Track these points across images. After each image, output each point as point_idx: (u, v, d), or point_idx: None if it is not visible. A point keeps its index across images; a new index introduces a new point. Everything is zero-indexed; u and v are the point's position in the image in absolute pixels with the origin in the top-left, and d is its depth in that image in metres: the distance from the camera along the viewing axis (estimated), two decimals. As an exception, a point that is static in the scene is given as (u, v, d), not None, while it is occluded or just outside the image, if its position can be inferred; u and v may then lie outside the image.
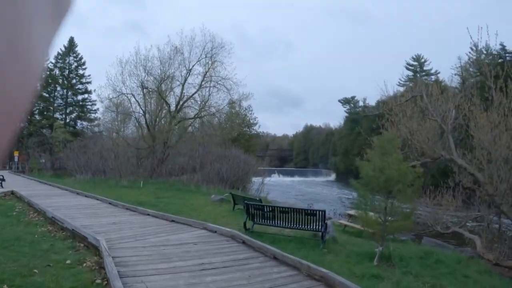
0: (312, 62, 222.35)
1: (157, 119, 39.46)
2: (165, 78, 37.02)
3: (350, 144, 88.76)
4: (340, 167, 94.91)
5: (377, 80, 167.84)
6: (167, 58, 36.93)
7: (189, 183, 31.18)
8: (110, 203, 17.71)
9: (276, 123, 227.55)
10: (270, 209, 12.90)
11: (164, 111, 39.71)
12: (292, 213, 12.52)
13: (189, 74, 37.70)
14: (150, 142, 37.23)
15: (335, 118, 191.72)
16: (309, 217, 12.22)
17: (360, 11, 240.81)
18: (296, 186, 67.45)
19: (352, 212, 19.81)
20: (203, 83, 37.80)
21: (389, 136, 11.89)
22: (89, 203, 17.73)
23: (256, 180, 35.94)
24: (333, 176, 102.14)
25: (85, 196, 20.76)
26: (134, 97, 37.69)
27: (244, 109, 53.15)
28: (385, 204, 10.95)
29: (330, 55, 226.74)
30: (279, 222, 12.71)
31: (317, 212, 12.23)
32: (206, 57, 37.39)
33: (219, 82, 37.55)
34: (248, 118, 58.67)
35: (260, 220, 12.94)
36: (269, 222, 12.88)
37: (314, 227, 12.23)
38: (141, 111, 38.19)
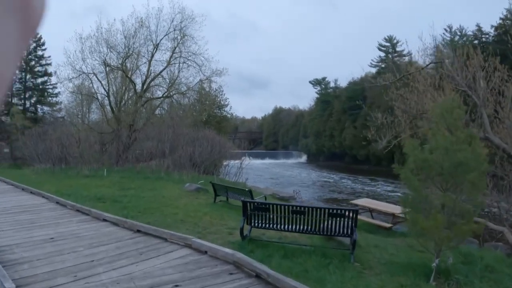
0: (278, 44, 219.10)
1: (123, 101, 35.30)
2: (130, 54, 32.82)
3: (322, 126, 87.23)
4: (311, 148, 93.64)
5: (347, 62, 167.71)
6: (131, 32, 32.72)
7: (159, 169, 27.59)
8: (57, 203, 13.54)
9: (244, 106, 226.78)
10: (279, 209, 9.16)
11: (130, 92, 35.60)
12: (310, 214, 8.87)
13: (156, 49, 33.58)
14: (115, 126, 33.11)
15: (304, 100, 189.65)
16: (334, 219, 8.66)
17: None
18: (268, 169, 64.06)
19: (358, 201, 16.47)
20: (171, 59, 33.74)
21: (451, 103, 8.06)
22: (30, 204, 13.44)
23: (228, 163, 32.12)
24: (304, 158, 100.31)
25: (31, 192, 16.53)
26: (96, 77, 33.33)
27: (214, 89, 48.97)
28: (452, 200, 7.39)
29: (296, 37, 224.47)
30: (290, 226, 9.07)
31: (346, 212, 8.72)
32: (175, 30, 33.29)
33: (189, 58, 33.59)
34: (219, 99, 54.64)
35: (263, 223, 9.28)
36: (276, 226, 9.21)
37: (341, 231, 8.68)
38: (104, 92, 33.90)
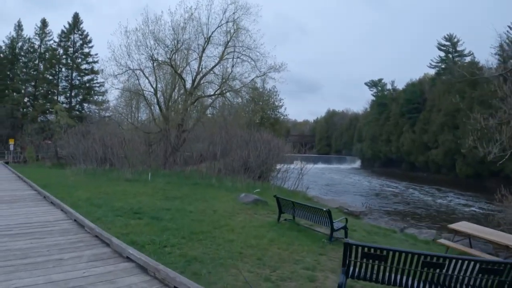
0: (328, 47, 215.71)
1: (171, 99, 32.45)
2: (179, 48, 29.81)
3: (378, 129, 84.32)
4: (366, 153, 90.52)
5: (402, 64, 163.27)
6: (180, 24, 29.77)
7: (210, 174, 24.70)
8: (75, 221, 9.91)
9: (294, 109, 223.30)
10: (403, 258, 5.63)
11: (179, 90, 32.70)
12: (451, 268, 5.38)
13: (208, 43, 30.52)
14: (163, 125, 30.24)
15: (356, 103, 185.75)
16: (489, 276, 5.21)
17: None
18: (322, 175, 60.35)
19: (458, 226, 12.85)
20: (224, 54, 30.59)
21: None
22: (41, 221, 9.78)
23: (281, 167, 28.53)
24: (358, 163, 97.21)
25: (51, 203, 13.01)
26: (143, 73, 30.46)
27: (268, 90, 45.60)
28: None
29: (346, 39, 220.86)
30: (418, 284, 5.56)
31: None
32: (227, 22, 30.17)
33: (243, 53, 30.39)
34: (273, 100, 51.33)
35: (372, 275, 5.82)
36: (395, 282, 5.72)
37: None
38: (152, 90, 31.04)
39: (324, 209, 10.66)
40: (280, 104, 54.78)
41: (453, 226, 12.87)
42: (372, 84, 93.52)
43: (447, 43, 74.33)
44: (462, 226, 13.00)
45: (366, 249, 5.82)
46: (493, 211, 28.37)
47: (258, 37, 31.72)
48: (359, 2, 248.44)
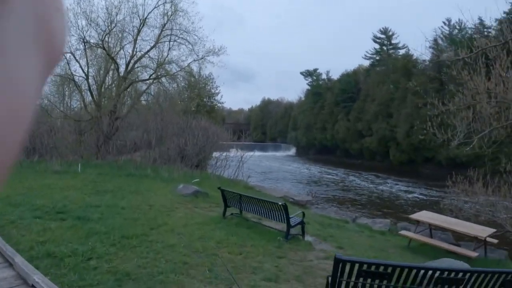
0: (263, 37, 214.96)
1: (104, 84, 30.03)
2: (113, 29, 27.45)
3: (313, 118, 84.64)
4: (301, 141, 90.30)
5: (336, 55, 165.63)
6: (115, 2, 27.43)
7: (144, 164, 22.72)
8: None
9: (229, 98, 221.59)
10: (412, 276, 4.17)
11: (112, 74, 30.35)
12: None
13: (143, 25, 28.21)
14: (95, 113, 27.87)
15: (290, 92, 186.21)
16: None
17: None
18: (259, 162, 58.96)
19: (420, 216, 11.77)
20: (160, 37, 28.45)
21: None
22: None
23: (218, 156, 26.94)
24: (293, 151, 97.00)
25: None
26: (74, 56, 27.80)
27: (204, 77, 43.58)
28: None
29: (282, 30, 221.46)
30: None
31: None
32: (165, 3, 27.95)
33: (180, 36, 28.32)
34: (209, 87, 49.39)
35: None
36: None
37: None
38: (83, 74, 28.47)
39: (280, 203, 9.19)
40: (217, 91, 52.89)
41: (415, 216, 11.83)
42: (308, 73, 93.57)
43: (383, 36, 75.15)
44: (424, 216, 11.98)
45: (365, 266, 4.30)
46: (436, 197, 28.04)
47: (196, 19, 29.73)
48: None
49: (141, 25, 28.08)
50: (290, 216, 9.21)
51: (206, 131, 25.60)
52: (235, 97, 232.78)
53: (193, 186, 14.79)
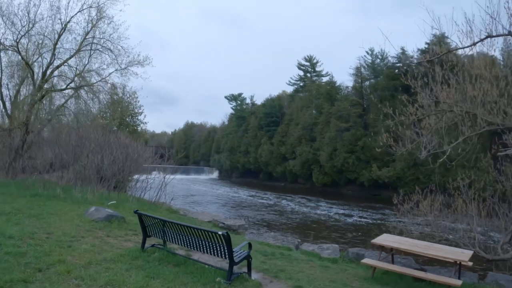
0: (187, 62, 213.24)
1: (18, 94, 26.36)
2: (29, 29, 23.93)
3: (237, 141, 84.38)
4: (225, 164, 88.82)
5: (262, 81, 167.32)
6: (35, 2, 24.04)
7: (56, 183, 19.51)
8: None
9: (152, 121, 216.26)
10: None
11: (27, 83, 26.66)
12: None
13: (65, 30, 24.90)
14: (6, 125, 24.26)
15: (213, 117, 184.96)
16: None
17: (235, 16, 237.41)
18: (182, 185, 56.42)
19: (383, 241, 9.53)
20: (83, 44, 25.27)
21: None
22: None
23: (138, 178, 23.74)
24: (216, 174, 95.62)
25: None
26: (-15, 61, 24.16)
27: (128, 95, 40.17)
28: None
29: (206, 55, 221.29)
30: None
31: None
32: (91, 7, 24.79)
33: (104, 45, 25.28)
34: (132, 106, 45.85)
35: None
36: None
37: None
38: (-6, 81, 24.72)
39: (220, 233, 6.51)
40: (140, 111, 49.19)
41: (379, 241, 9.53)
42: (232, 98, 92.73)
43: (307, 63, 76.71)
44: (388, 240, 9.73)
45: None
46: (380, 220, 26.49)
47: (123, 29, 26.77)
48: (220, 21, 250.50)
49: (62, 30, 24.81)
50: (233, 249, 6.63)
51: (126, 148, 22.51)
52: (159, 120, 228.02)
53: (108, 209, 11.86)
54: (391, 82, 50.18)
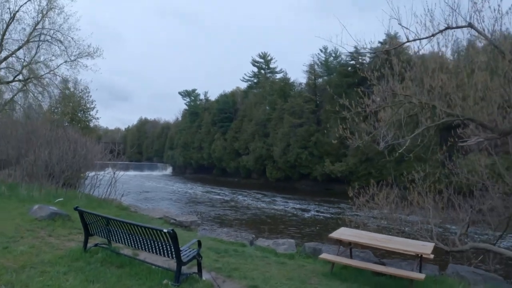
0: (141, 59, 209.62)
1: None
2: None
3: (190, 137, 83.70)
4: (178, 160, 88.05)
5: (216, 77, 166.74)
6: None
7: (3, 180, 18.54)
8: None
9: (106, 117, 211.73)
10: None
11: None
12: None
13: (13, 19, 23.70)
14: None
15: (166, 114, 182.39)
16: None
17: (191, 12, 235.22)
18: (135, 182, 55.16)
19: (341, 234, 9.19)
20: (32, 35, 24.17)
21: None
22: None
23: (88, 175, 22.70)
24: (169, 170, 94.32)
25: None
26: None
27: (80, 90, 38.83)
28: None
29: (159, 52, 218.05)
30: None
31: None
32: (41, -3, 23.71)
33: (53, 36, 24.21)
34: (84, 101, 44.29)
35: None
36: None
37: None
38: None
39: (165, 230, 5.93)
40: (92, 106, 47.63)
41: (336, 235, 9.12)
42: (186, 94, 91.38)
43: (261, 60, 76.59)
44: (346, 234, 9.38)
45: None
46: (336, 214, 26.29)
47: (74, 20, 25.65)
48: (176, 17, 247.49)
49: (11, 20, 23.65)
50: (181, 248, 6.09)
51: (75, 144, 21.50)
52: (112, 117, 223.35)
53: (52, 207, 11.07)
54: (344, 79, 50.77)
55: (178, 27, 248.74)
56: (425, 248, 8.19)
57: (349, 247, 9.64)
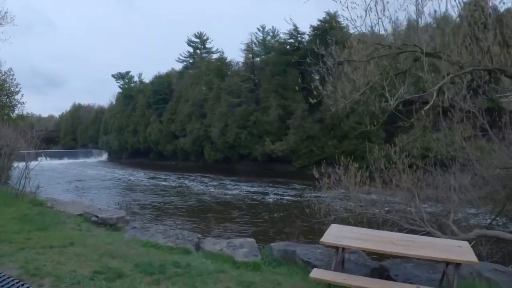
0: (74, 42, 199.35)
1: None
2: None
3: (125, 121, 79.48)
4: (113, 145, 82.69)
5: (149, 59, 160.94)
6: None
7: None
8: None
9: (39, 104, 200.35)
10: None
11: None
12: None
13: None
14: None
15: (103, 98, 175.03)
16: None
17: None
18: (68, 171, 50.65)
19: (344, 238, 5.92)
20: None
21: None
22: None
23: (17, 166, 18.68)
24: (105, 156, 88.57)
25: None
26: None
27: (2, 73, 34.04)
28: None
29: (94, 35, 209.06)
30: None
31: None
32: None
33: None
34: (8, 84, 39.08)
35: None
36: None
37: None
38: None
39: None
40: (17, 89, 42.35)
41: (332, 241, 5.76)
42: (120, 76, 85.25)
43: (197, 40, 73.66)
44: (346, 237, 6.04)
45: None
46: (290, 196, 23.23)
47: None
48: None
49: None
50: None
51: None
52: (46, 104, 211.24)
53: None
54: (283, 57, 49.33)
55: (112, 10, 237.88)
56: (465, 253, 5.12)
57: (340, 250, 6.43)
